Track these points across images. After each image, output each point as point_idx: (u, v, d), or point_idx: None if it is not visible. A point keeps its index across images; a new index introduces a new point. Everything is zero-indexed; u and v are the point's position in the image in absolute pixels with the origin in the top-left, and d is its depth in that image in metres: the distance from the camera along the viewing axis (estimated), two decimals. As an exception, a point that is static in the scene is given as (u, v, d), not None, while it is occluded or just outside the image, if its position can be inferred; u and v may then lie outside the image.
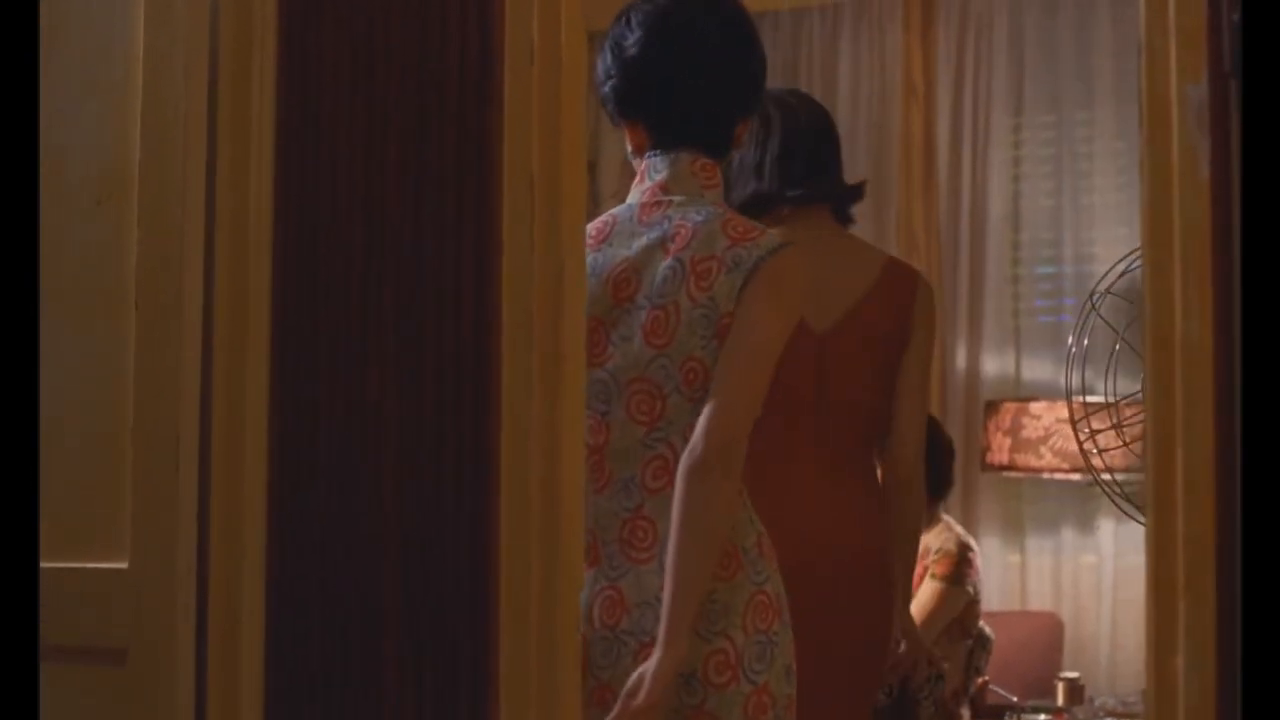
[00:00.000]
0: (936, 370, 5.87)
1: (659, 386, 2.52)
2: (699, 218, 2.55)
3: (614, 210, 2.66)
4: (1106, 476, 2.84)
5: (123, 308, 2.25)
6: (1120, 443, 2.85)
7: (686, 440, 2.46)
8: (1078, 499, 5.94)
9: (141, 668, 2.19)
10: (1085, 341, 2.95)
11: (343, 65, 2.23)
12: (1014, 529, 6.10)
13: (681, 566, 2.42)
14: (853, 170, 3.52)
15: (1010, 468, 5.71)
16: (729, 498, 2.46)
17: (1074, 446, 4.76)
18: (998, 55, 6.19)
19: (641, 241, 2.57)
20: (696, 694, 2.47)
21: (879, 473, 3.20)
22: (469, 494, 2.11)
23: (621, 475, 2.54)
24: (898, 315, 3.15)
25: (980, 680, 4.66)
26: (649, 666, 2.40)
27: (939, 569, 4.53)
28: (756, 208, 3.10)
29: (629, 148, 2.70)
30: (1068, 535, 6.00)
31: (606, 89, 2.67)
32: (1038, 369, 6.07)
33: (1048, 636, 5.73)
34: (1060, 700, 4.73)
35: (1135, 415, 2.71)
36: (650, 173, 2.64)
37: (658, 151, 2.64)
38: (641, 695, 2.39)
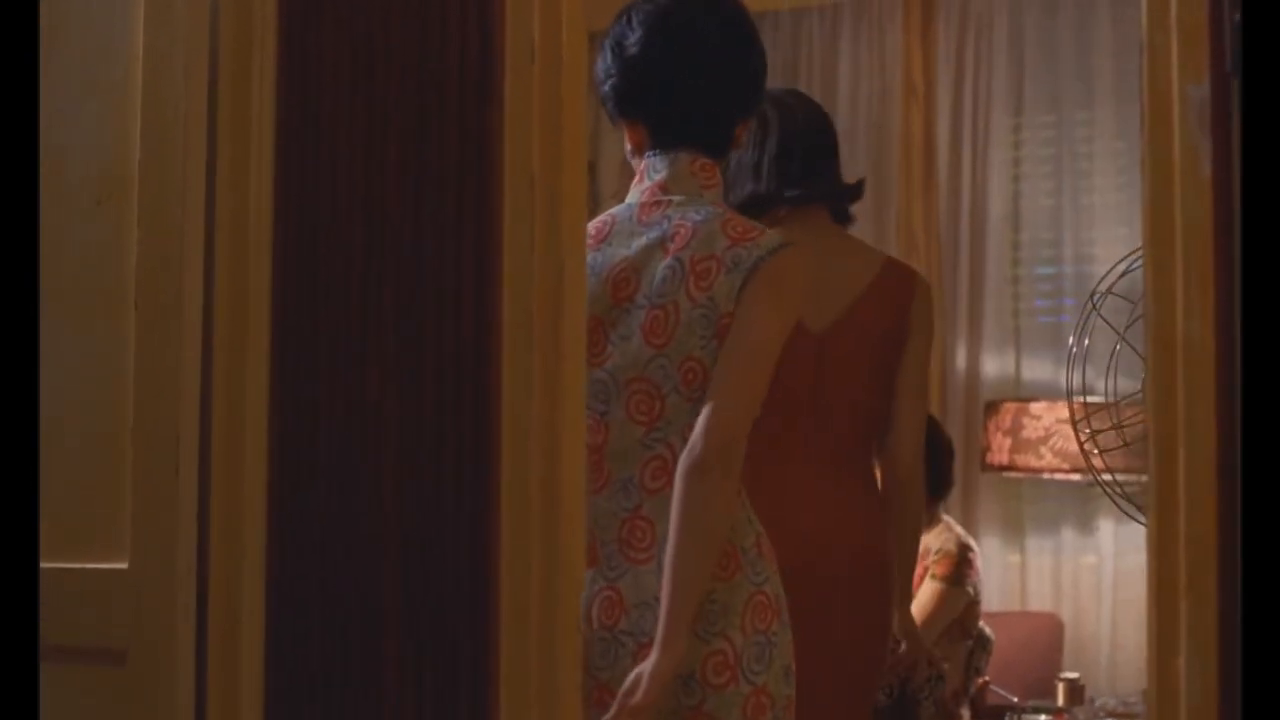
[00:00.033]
0: (936, 370, 5.87)
1: (658, 386, 2.51)
2: (698, 217, 2.55)
3: (613, 210, 2.65)
4: (1107, 477, 2.84)
5: (123, 308, 2.25)
6: (1121, 443, 2.85)
7: (685, 440, 2.46)
8: (1078, 499, 5.94)
9: (141, 668, 2.19)
10: (1086, 341, 2.95)
11: (343, 65, 2.23)
12: (1014, 529, 6.10)
13: (680, 567, 2.41)
14: (852, 170, 3.52)
15: (1010, 468, 5.71)
16: (728, 498, 2.45)
17: (1074, 447, 4.76)
18: (998, 55, 6.18)
19: (641, 241, 2.57)
20: (695, 695, 2.47)
21: (878, 473, 3.20)
22: (469, 494, 2.11)
23: (620, 475, 2.53)
24: (896, 315, 3.15)
25: (980, 681, 4.65)
26: (647, 666, 2.40)
27: (939, 569, 4.53)
28: (754, 208, 3.10)
29: (628, 147, 2.69)
30: (1068, 535, 6.00)
31: (606, 88, 2.67)
32: (1038, 369, 6.07)
33: (1048, 637, 5.73)
34: (1060, 701, 4.72)
35: (1136, 415, 2.71)
36: (650, 172, 2.63)
37: (657, 151, 2.63)
38: (639, 695, 2.39)
